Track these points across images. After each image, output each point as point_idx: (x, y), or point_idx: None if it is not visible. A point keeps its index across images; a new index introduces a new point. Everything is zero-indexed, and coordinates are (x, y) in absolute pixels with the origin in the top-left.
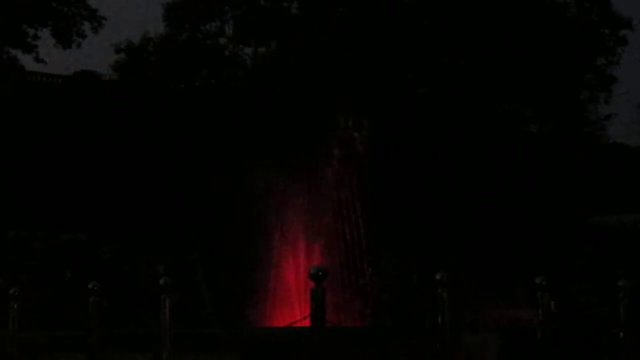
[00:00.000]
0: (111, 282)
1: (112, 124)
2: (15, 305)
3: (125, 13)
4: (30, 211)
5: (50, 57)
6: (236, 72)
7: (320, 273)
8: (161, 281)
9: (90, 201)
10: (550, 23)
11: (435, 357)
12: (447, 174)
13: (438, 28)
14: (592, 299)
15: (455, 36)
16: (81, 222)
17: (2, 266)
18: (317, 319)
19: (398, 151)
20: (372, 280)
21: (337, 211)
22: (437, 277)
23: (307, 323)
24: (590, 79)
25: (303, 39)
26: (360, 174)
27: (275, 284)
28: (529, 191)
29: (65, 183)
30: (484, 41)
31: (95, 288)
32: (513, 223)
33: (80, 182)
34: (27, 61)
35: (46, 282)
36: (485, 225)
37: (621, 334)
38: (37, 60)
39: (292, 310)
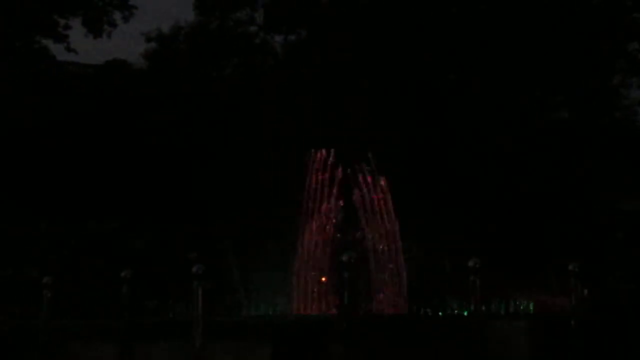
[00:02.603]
0: (143, 270)
1: (143, 113)
2: (49, 294)
3: (155, 2)
4: (63, 201)
5: (81, 47)
6: (267, 61)
7: (351, 260)
8: (193, 269)
9: (122, 190)
10: (582, 8)
11: (466, 343)
12: (478, 160)
13: (469, 14)
14: (624, 285)
15: (485, 23)
16: (113, 211)
17: (36, 257)
18: (348, 306)
19: (428, 138)
20: (404, 266)
21: (369, 200)
22: (470, 264)
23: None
24: (623, 64)
25: (333, 26)
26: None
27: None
28: (561, 177)
29: (97, 172)
30: (515, 27)
31: (127, 277)
32: (544, 209)
33: (111, 172)
34: (58, 51)
35: (79, 272)
36: (517, 212)
37: None
38: (68, 49)
39: (322, 299)
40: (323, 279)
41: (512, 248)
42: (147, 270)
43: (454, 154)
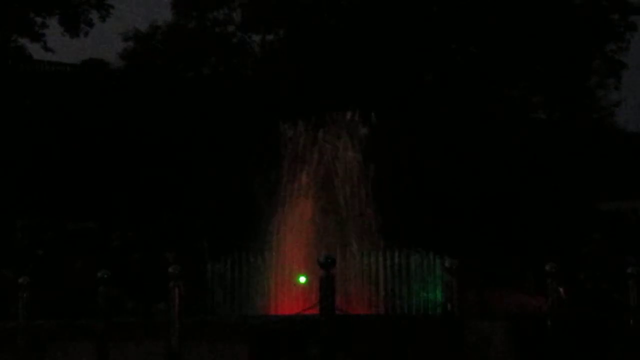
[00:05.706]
0: (121, 270)
1: (120, 112)
2: (25, 295)
3: (133, 1)
4: (40, 200)
5: (58, 46)
6: (245, 60)
7: (329, 260)
8: (170, 269)
9: (100, 190)
10: (559, 8)
11: (444, 344)
12: (455, 160)
13: (446, 14)
14: (601, 285)
15: (463, 22)
16: (90, 211)
17: (12, 256)
18: (326, 306)
19: (404, 138)
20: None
21: (347, 200)
22: (447, 264)
23: (316, 311)
24: (600, 65)
25: (311, 25)
26: (368, 161)
27: (283, 272)
28: (538, 177)
29: (74, 171)
30: (493, 27)
31: (105, 277)
32: (522, 209)
33: (89, 171)
34: (35, 50)
35: (56, 271)
36: (494, 212)
37: (631, 321)
38: (45, 49)
39: (297, 299)
40: (302, 279)
41: (489, 248)
42: (124, 270)
43: (431, 154)
